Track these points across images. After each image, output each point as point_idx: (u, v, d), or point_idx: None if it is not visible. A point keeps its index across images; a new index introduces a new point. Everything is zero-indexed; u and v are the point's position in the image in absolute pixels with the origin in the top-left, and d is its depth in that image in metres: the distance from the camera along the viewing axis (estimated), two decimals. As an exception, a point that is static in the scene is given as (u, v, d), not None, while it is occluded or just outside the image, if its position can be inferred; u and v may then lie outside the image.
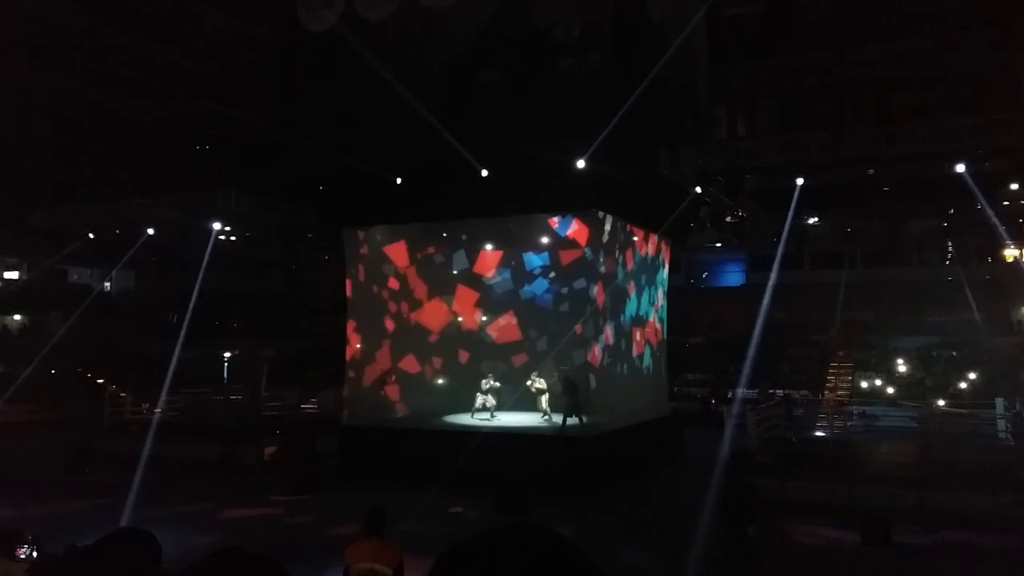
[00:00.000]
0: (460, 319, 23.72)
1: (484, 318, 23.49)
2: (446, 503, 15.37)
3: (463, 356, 23.02)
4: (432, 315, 23.02)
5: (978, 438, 19.39)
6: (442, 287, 23.06)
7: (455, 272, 22.85)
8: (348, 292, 21.75)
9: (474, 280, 23.04)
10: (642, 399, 22.49)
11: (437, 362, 23.06)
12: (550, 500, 14.89)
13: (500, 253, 22.61)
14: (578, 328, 19.86)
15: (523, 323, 22.76)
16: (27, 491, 16.02)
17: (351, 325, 21.59)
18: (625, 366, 22.12)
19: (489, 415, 20.52)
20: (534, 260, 22.50)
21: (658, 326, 25.07)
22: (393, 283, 22.32)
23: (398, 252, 22.42)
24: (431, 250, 22.74)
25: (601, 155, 17.63)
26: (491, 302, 23.15)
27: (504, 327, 22.89)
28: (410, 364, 22.48)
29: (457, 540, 1.71)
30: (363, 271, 21.87)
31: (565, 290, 21.94)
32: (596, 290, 19.87)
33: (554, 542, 1.70)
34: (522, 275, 22.68)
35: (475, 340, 23.30)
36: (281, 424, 24.01)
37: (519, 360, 22.34)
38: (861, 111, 31.53)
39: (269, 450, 21.44)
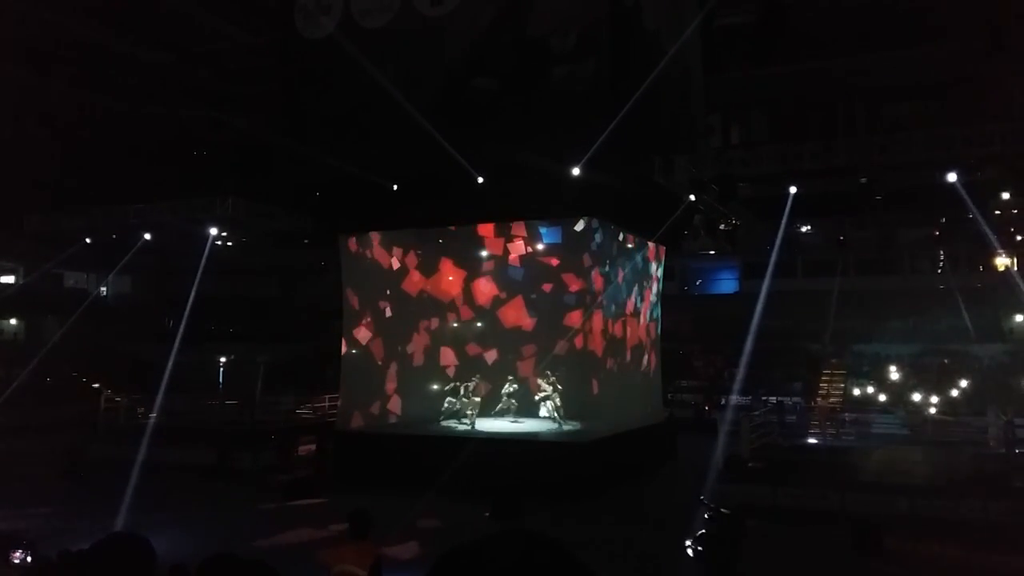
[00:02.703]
0: (455, 324, 23.84)
1: (479, 324, 23.65)
2: (441, 508, 15.42)
3: (467, 351, 23.31)
4: (430, 312, 23.21)
5: (969, 446, 19.48)
6: (438, 284, 23.32)
7: (443, 240, 23.06)
8: (343, 297, 21.83)
9: (470, 266, 23.47)
10: (637, 404, 22.58)
11: (439, 360, 23.20)
12: (544, 506, 14.95)
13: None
14: (574, 317, 20.00)
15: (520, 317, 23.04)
16: (22, 495, 16.03)
17: (347, 330, 21.64)
18: (620, 370, 22.21)
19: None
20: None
21: (652, 330, 25.17)
22: (388, 288, 22.41)
23: (393, 257, 22.53)
24: (430, 234, 22.88)
25: (596, 162, 17.75)
26: (486, 282, 23.52)
27: (511, 308, 23.10)
28: (408, 365, 22.57)
29: (453, 546, 1.76)
30: (358, 276, 21.95)
31: (558, 295, 22.10)
32: (591, 294, 19.98)
33: (550, 548, 1.74)
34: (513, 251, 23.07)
35: (477, 334, 23.48)
36: (277, 429, 24.02)
37: (528, 352, 22.53)
38: (853, 120, 31.73)
39: (275, 455, 21.49)
